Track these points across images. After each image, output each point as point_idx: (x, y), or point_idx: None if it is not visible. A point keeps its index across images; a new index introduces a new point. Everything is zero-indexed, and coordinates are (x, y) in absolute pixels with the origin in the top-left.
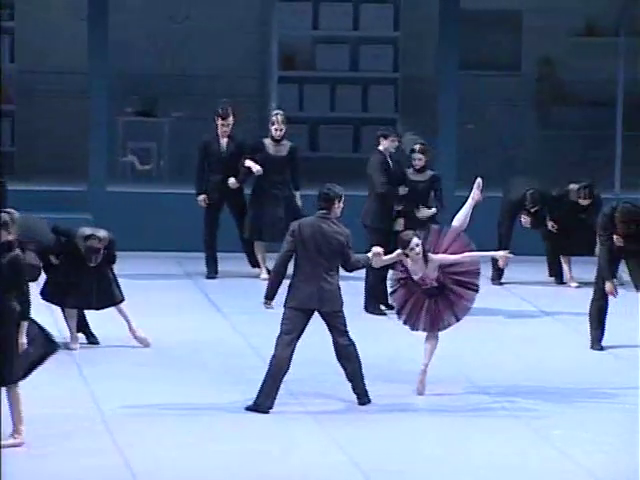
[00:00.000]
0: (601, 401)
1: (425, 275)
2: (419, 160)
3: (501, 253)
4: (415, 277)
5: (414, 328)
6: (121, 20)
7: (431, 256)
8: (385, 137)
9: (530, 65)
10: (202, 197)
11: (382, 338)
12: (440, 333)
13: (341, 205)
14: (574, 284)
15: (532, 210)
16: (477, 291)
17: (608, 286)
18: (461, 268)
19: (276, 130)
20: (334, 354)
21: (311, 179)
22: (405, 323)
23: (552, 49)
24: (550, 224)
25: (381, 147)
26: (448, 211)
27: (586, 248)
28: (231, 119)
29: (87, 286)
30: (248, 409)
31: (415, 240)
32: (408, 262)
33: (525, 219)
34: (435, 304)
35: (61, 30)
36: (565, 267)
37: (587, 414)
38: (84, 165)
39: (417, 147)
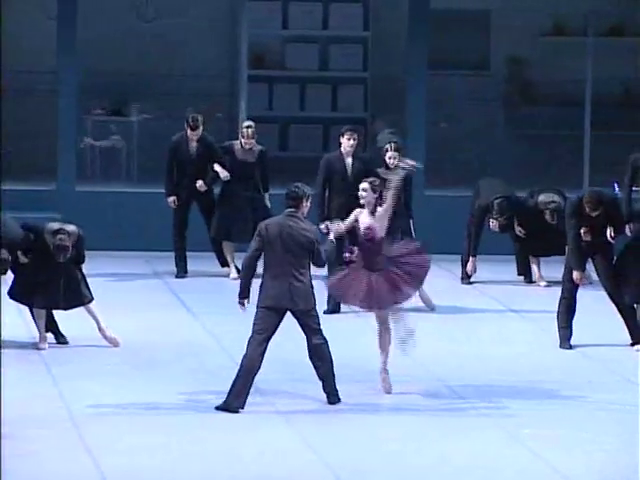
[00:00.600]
0: (572, 400)
1: (372, 224)
2: (393, 159)
3: (411, 162)
4: (362, 227)
5: (352, 304)
6: (90, 19)
7: (378, 209)
8: (342, 135)
9: (499, 65)
10: (172, 198)
11: (350, 337)
12: (409, 333)
13: (309, 204)
14: (543, 283)
15: (499, 219)
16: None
17: (576, 275)
18: (408, 259)
19: (246, 143)
20: (306, 353)
21: (281, 179)
22: (347, 302)
23: (521, 49)
24: (518, 229)
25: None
26: (418, 211)
27: (555, 250)
28: (200, 129)
29: (55, 286)
30: (218, 408)
31: (364, 184)
32: (360, 217)
33: (493, 223)
34: (381, 278)
35: (30, 28)
36: (534, 266)
37: (558, 413)
38: (53, 164)
39: (391, 145)
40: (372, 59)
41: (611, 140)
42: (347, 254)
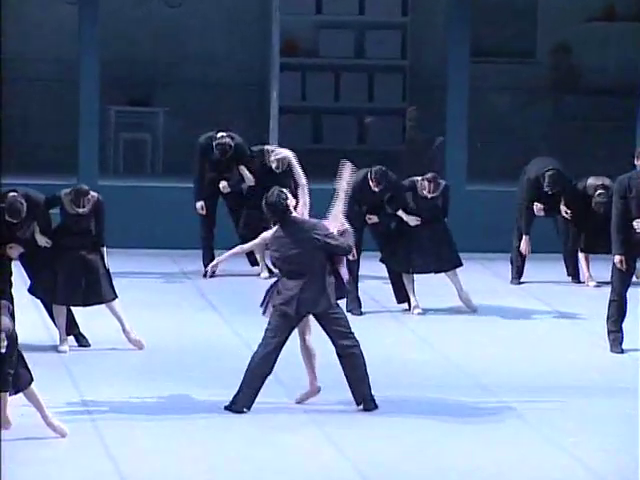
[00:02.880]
0: (620, 407)
1: None
2: (430, 195)
3: None
4: None
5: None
6: (113, 4)
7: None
8: (370, 178)
9: (545, 52)
10: (200, 204)
11: (376, 339)
12: (446, 334)
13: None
14: (592, 283)
15: (550, 192)
16: None
17: (617, 259)
18: None
19: (276, 168)
20: (333, 352)
21: (314, 172)
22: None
23: (568, 35)
24: (563, 209)
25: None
26: (459, 208)
27: (604, 245)
28: (229, 154)
29: (76, 281)
30: (226, 408)
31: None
32: None
33: (538, 207)
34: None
35: (47, 14)
36: (583, 265)
37: (603, 419)
38: (74, 157)
39: (430, 187)
40: (411, 46)
41: None
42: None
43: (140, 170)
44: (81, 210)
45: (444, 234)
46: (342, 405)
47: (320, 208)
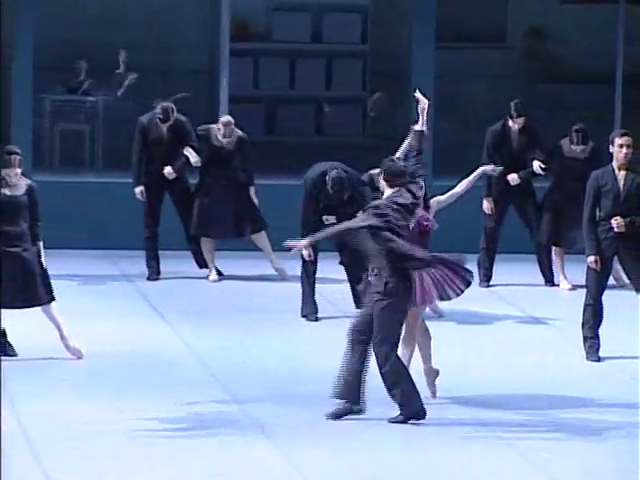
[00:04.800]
0: (593, 420)
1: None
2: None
3: (489, 167)
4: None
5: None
6: None
7: (431, 201)
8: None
9: (517, 36)
10: (139, 189)
11: (332, 347)
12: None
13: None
14: (566, 286)
15: (517, 119)
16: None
17: (591, 259)
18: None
19: (224, 136)
20: (289, 365)
21: (267, 166)
22: None
23: (541, 17)
24: (537, 164)
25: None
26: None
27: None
28: (171, 119)
29: (12, 281)
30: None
31: (421, 183)
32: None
33: (512, 177)
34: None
35: None
36: (557, 265)
37: (580, 438)
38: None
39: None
40: (372, 30)
41: None
42: None
43: (78, 164)
44: (13, 174)
45: None
46: (301, 420)
47: (276, 204)
